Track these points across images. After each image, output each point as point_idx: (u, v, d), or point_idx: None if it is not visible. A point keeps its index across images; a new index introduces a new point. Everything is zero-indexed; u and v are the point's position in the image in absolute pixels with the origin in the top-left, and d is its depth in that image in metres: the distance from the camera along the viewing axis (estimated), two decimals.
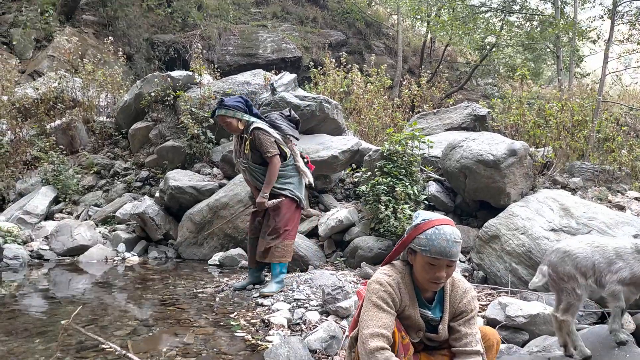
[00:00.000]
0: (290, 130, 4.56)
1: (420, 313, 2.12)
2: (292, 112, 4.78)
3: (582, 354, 2.32)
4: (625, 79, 17.53)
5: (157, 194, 7.32)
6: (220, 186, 7.04)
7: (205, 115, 7.73)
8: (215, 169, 7.62)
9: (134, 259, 6.62)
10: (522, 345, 3.31)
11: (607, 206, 5.83)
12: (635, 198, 6.46)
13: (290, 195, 4.48)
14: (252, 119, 4.40)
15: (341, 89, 8.58)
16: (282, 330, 3.34)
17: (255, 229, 4.58)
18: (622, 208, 6.03)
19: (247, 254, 4.84)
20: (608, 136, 7.37)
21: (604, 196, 6.28)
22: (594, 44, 13.38)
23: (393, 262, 2.17)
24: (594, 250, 2.41)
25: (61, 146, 8.75)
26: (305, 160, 4.71)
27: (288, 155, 4.51)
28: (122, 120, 9.13)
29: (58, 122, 9.33)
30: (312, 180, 4.67)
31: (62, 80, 9.66)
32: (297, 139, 4.62)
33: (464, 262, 5.43)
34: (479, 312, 3.93)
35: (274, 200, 4.38)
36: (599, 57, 13.88)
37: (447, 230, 1.96)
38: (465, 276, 5.14)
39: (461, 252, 5.60)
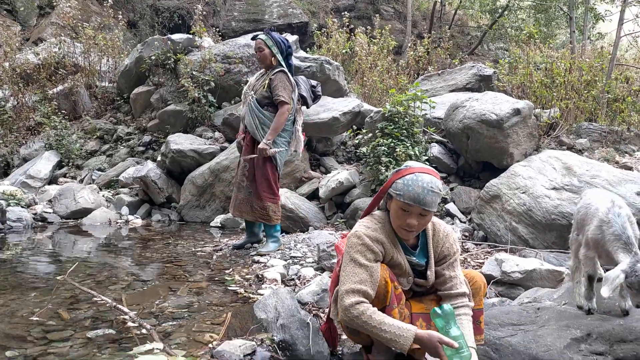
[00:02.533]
0: (307, 94, 4.35)
1: (408, 260, 2.09)
2: (318, 87, 4.58)
3: (578, 304, 2.26)
4: None
5: (159, 158, 7.31)
6: (222, 150, 7.01)
7: (207, 78, 7.64)
8: (217, 133, 7.57)
9: (137, 221, 6.66)
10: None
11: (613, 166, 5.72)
12: None
13: (272, 161, 4.23)
14: (283, 63, 4.25)
15: (344, 51, 8.40)
16: (275, 285, 3.35)
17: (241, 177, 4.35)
18: (629, 169, 5.90)
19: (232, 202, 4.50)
20: (618, 96, 7.17)
21: (611, 157, 6.15)
22: (611, 2, 12.89)
23: (373, 212, 2.12)
24: (584, 204, 2.30)
25: (64, 111, 8.74)
26: (304, 137, 4.58)
27: (293, 111, 4.34)
28: (124, 85, 9.07)
29: (60, 87, 9.29)
30: (300, 150, 4.49)
31: (62, 45, 9.57)
32: (307, 106, 4.43)
33: (464, 222, 5.39)
34: (476, 269, 3.91)
35: (276, 150, 4.18)
36: (614, 19, 13.41)
37: (426, 179, 1.90)
38: (466, 236, 5.11)
39: (462, 212, 5.59)
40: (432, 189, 1.88)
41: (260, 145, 4.13)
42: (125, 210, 6.85)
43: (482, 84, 7.36)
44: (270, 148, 4.14)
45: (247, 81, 4.66)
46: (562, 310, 2.27)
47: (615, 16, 13.03)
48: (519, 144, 5.65)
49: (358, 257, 1.94)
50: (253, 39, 4.42)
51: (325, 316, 2.60)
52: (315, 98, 4.54)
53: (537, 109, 6.57)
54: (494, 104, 5.70)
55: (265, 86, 4.20)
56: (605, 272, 2.61)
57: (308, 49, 10.03)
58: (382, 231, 2.01)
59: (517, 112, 5.53)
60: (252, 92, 4.32)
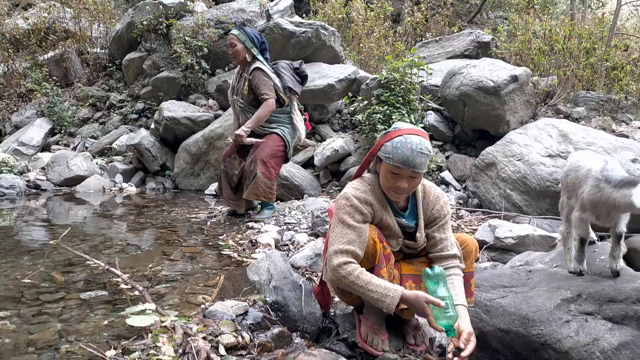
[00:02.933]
0: (292, 83, 4.23)
1: (397, 222, 2.08)
2: (302, 65, 4.45)
3: (570, 269, 2.26)
4: None
5: (152, 126, 7.24)
6: (216, 117, 6.94)
7: (199, 44, 7.49)
8: (210, 100, 7.47)
9: (131, 189, 6.64)
10: None
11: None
12: None
13: (281, 135, 4.21)
14: (259, 57, 4.17)
15: (340, 16, 8.22)
16: (269, 249, 3.35)
17: (230, 164, 4.33)
18: (626, 137, 5.89)
19: (219, 186, 4.49)
20: (617, 65, 7.09)
21: (608, 126, 6.12)
22: None
23: (362, 175, 2.11)
24: (573, 167, 2.24)
25: (55, 78, 8.60)
26: (304, 117, 4.44)
27: (285, 104, 4.27)
28: (116, 51, 8.90)
29: (51, 53, 9.12)
30: (303, 137, 4.41)
31: (52, 10, 9.34)
32: (297, 93, 4.29)
33: (459, 190, 5.39)
34: (470, 233, 3.93)
35: (253, 140, 4.12)
36: None
37: (414, 140, 1.87)
38: (460, 204, 5.12)
39: (457, 180, 5.59)
40: (421, 150, 1.86)
41: (237, 131, 4.11)
42: (119, 178, 6.82)
43: (480, 50, 7.26)
44: (247, 137, 4.09)
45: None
46: (554, 273, 2.28)
47: None
48: (515, 112, 5.61)
49: (346, 219, 1.93)
50: (225, 34, 4.26)
51: (319, 279, 2.61)
52: (303, 80, 4.41)
53: (535, 76, 6.50)
54: (492, 71, 5.63)
55: (247, 88, 4.13)
56: (597, 237, 2.62)
57: (304, 15, 9.82)
58: (372, 193, 2.00)
59: (514, 79, 5.47)
60: (239, 98, 4.22)
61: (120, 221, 4.56)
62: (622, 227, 2.03)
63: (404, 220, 2.06)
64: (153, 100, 8.02)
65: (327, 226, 3.65)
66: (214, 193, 6.20)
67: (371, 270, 1.93)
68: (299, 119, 4.33)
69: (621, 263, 2.07)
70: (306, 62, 7.01)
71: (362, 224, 1.94)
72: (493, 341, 2.06)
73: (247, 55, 4.15)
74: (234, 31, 4.16)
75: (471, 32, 7.41)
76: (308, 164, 6.34)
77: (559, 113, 6.41)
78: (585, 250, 2.19)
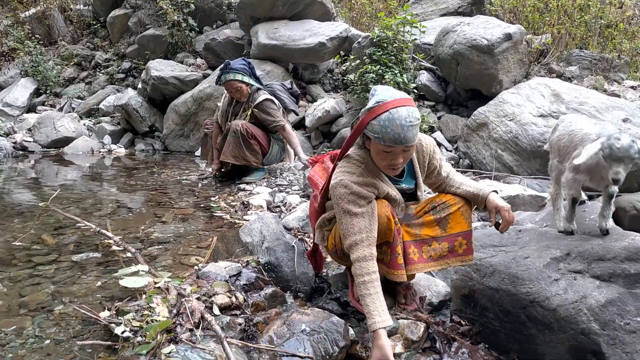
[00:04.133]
0: (292, 105, 4.43)
1: (397, 188, 2.06)
2: (294, 85, 4.61)
3: (559, 229, 2.29)
4: None
5: (139, 86, 7.10)
6: (204, 77, 6.81)
7: (186, 0, 7.25)
8: (198, 59, 7.31)
9: (120, 151, 6.57)
10: None
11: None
12: (632, 87, 6.28)
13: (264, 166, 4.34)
14: (257, 84, 4.21)
15: None
16: (261, 211, 3.35)
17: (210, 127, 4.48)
18: (617, 97, 5.88)
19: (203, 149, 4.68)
20: (611, 22, 6.99)
21: (600, 85, 6.10)
22: None
23: (349, 153, 1.98)
24: (567, 131, 2.24)
25: (38, 36, 8.34)
26: (298, 93, 4.65)
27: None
28: (100, 7, 8.61)
29: (32, 10, 8.80)
30: (291, 163, 4.50)
31: None
32: (297, 114, 4.43)
33: (450, 150, 5.40)
34: None
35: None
36: None
37: (402, 114, 1.76)
38: (452, 164, 5.13)
39: (449, 141, 5.58)
40: (411, 123, 1.76)
41: (304, 159, 4.28)
42: (107, 139, 6.73)
43: (474, 7, 7.11)
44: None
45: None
46: (543, 232, 2.31)
47: None
48: (508, 71, 5.55)
49: (351, 208, 1.86)
50: (219, 83, 4.20)
51: (311, 241, 2.62)
52: (297, 99, 4.58)
53: (529, 34, 6.40)
54: (485, 29, 5.53)
55: (248, 116, 4.17)
56: (587, 196, 2.64)
57: None
58: (367, 172, 1.92)
59: (508, 37, 5.39)
60: (240, 124, 4.10)
61: (110, 183, 4.52)
62: (615, 188, 2.04)
63: (403, 185, 2.05)
64: (140, 59, 7.83)
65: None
66: None
67: (385, 245, 1.94)
68: (291, 145, 4.42)
69: (610, 222, 2.09)
70: (296, 19, 6.87)
71: (368, 206, 1.88)
72: (482, 299, 2.10)
73: (249, 88, 4.20)
74: (230, 76, 4.11)
75: None
76: (299, 124, 6.28)
77: (551, 72, 6.36)
78: (576, 209, 2.21)
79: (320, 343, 1.79)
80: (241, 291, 2.02)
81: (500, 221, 1.98)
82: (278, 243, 2.36)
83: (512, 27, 5.50)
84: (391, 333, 1.96)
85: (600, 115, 4.29)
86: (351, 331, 1.91)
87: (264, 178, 4.29)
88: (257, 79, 4.27)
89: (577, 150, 2.07)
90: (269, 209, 3.53)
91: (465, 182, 2.15)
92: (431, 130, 5.60)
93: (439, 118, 5.86)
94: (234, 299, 1.92)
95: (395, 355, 1.81)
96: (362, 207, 1.89)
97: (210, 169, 4.56)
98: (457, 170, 4.79)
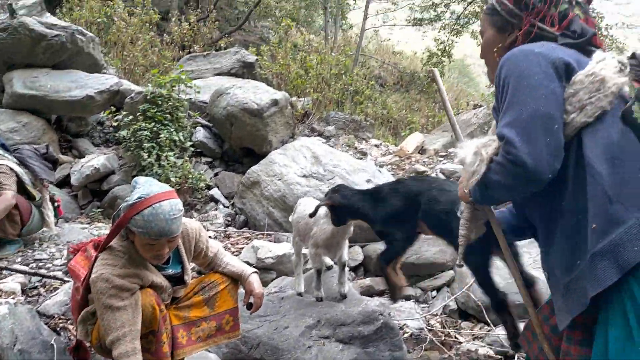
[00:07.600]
0: (45, 174, 3.93)
1: (163, 274, 2.11)
2: (50, 149, 4.14)
3: (298, 291, 2.67)
4: (382, 34, 19.74)
5: None
6: None
7: None
8: None
9: None
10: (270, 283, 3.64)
11: (352, 152, 6.69)
12: (375, 145, 7.54)
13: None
14: None
15: (99, 19, 7.62)
16: (14, 298, 2.98)
17: None
18: (364, 154, 6.99)
19: None
20: (358, 89, 8.33)
21: (352, 143, 7.16)
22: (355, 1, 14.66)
23: (111, 244, 1.99)
24: (302, 215, 2.66)
25: None
26: (57, 204, 4.14)
27: (37, 198, 3.85)
28: None
29: None
30: (53, 230, 4.09)
31: None
32: (52, 182, 4.03)
33: (227, 207, 5.62)
34: (236, 254, 4.16)
35: None
36: (361, 12, 15.26)
37: (166, 209, 1.85)
38: (228, 221, 5.35)
39: (225, 197, 5.81)
40: (174, 216, 1.86)
41: None
42: None
43: (246, 70, 7.65)
44: None
45: None
46: (300, 300, 2.63)
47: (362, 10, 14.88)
48: (277, 132, 6.11)
49: (113, 302, 1.84)
50: None
51: (74, 329, 2.47)
52: (54, 164, 4.25)
53: (294, 97, 7.18)
54: (255, 93, 6.02)
55: None
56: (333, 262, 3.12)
57: (57, 9, 8.77)
58: (130, 263, 1.93)
59: (275, 102, 5.96)
60: None
61: None
62: (345, 257, 2.50)
63: (170, 270, 2.11)
64: None
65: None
66: None
67: (151, 334, 1.94)
68: (50, 213, 4.00)
69: (347, 287, 2.52)
70: (61, 69, 6.35)
71: (132, 298, 1.89)
72: None
73: None
74: None
75: (237, 51, 7.74)
76: (64, 182, 5.73)
77: (314, 131, 7.22)
78: (322, 278, 2.60)
79: None
80: None
81: (253, 302, 2.20)
82: (34, 343, 2.18)
83: (278, 94, 6.10)
84: None
85: (349, 177, 5.05)
86: None
87: (18, 251, 3.81)
88: (1, 147, 3.80)
89: (313, 230, 2.47)
90: (24, 292, 3.16)
91: (231, 262, 2.35)
92: (208, 188, 5.76)
93: (215, 175, 6.07)
94: None
95: None
96: (125, 299, 1.90)
97: None
98: (233, 229, 5.04)
